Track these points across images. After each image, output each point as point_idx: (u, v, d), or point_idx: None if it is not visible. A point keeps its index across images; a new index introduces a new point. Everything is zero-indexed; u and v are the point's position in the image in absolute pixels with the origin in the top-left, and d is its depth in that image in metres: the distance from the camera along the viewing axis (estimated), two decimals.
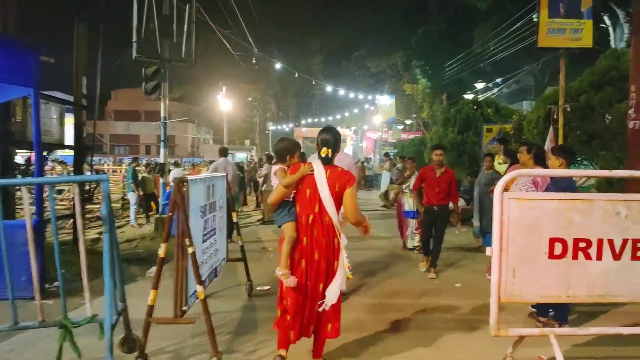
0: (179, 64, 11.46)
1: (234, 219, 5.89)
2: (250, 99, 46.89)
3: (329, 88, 27.56)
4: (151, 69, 10.88)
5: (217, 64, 36.96)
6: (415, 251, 8.03)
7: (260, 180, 12.03)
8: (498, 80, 25.51)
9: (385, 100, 30.43)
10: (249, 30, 22.00)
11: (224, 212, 5.13)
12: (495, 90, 26.93)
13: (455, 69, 29.71)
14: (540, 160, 5.03)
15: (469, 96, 21.29)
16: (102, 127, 43.34)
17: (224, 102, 25.33)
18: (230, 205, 5.58)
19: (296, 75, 22.50)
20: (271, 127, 46.24)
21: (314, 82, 26.30)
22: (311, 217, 3.36)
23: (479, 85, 21.58)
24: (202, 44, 38.83)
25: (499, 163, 8.64)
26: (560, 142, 8.58)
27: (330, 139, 3.46)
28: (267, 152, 12.47)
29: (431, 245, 6.76)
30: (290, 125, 48.87)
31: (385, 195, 14.65)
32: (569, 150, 4.62)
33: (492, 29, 23.85)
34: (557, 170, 4.18)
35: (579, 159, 9.34)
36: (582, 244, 3.16)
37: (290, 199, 3.47)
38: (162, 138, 11.61)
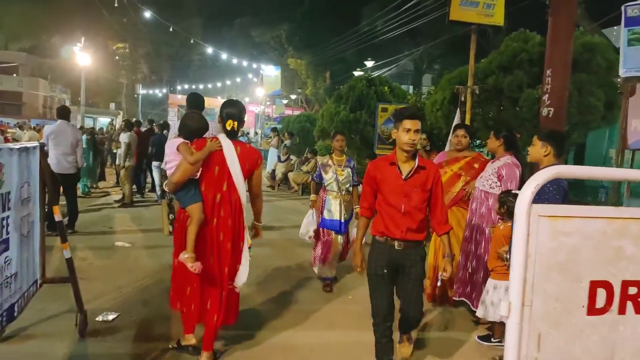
0: None
1: (57, 216, 3.72)
2: (117, 57, 41.68)
3: (209, 50, 24.90)
4: None
5: (77, 12, 31.83)
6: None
7: (119, 151, 9.73)
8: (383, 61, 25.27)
9: (271, 71, 28.71)
10: None
11: (33, 208, 3.21)
12: (381, 71, 26.76)
13: (339, 47, 29.07)
14: (513, 146, 3.99)
15: (358, 73, 20.58)
16: None
17: (82, 56, 21.43)
18: (52, 196, 3.63)
19: (171, 29, 19.65)
20: (141, 90, 41.67)
21: (192, 41, 23.38)
22: (219, 196, 3.19)
23: (369, 64, 20.94)
24: None
25: None
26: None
27: (236, 112, 3.27)
28: (126, 118, 10.07)
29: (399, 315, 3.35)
30: (164, 90, 44.61)
31: (272, 175, 13.16)
32: (560, 136, 3.54)
33: (380, 8, 23.41)
34: (606, 170, 2.70)
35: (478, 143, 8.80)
36: (632, 290, 1.99)
37: (197, 177, 3.21)
38: None
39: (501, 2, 7.94)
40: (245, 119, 3.40)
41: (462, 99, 7.97)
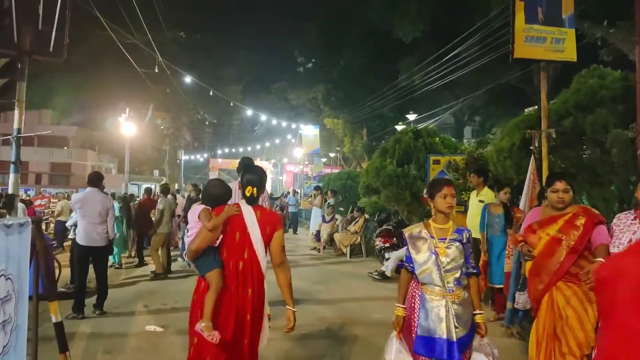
0: (44, 58, 8.29)
1: (55, 317, 2.86)
2: (162, 127, 42.89)
3: (248, 112, 24.85)
4: (0, 61, 7.65)
5: (123, 85, 33.08)
6: None
7: (153, 218, 9.03)
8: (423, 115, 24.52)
9: (310, 131, 28.43)
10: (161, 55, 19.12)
11: (16, 311, 2.29)
12: (420, 125, 26.01)
13: (376, 103, 28.73)
14: None
15: (400, 127, 19.83)
16: None
17: (127, 126, 21.71)
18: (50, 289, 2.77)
19: (210, 93, 19.68)
20: (183, 156, 42.33)
21: (231, 104, 23.46)
22: (241, 264, 3.01)
23: (412, 117, 20.17)
24: (109, 63, 34.82)
25: (479, 201, 6.55)
26: (545, 174, 6.75)
27: (256, 179, 3.18)
28: (163, 183, 9.45)
29: None
30: (205, 155, 45.28)
31: (317, 236, 12.14)
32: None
33: (417, 62, 22.99)
34: None
35: None
36: None
37: (216, 244, 3.05)
38: (12, 159, 8.25)
39: (572, 35, 7.00)
40: (266, 184, 3.34)
41: (536, 144, 6.89)
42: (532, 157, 6.86)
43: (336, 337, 5.22)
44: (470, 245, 3.14)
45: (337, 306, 6.46)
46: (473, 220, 6.40)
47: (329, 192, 14.42)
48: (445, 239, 3.02)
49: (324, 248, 12.02)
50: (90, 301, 6.14)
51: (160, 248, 8.69)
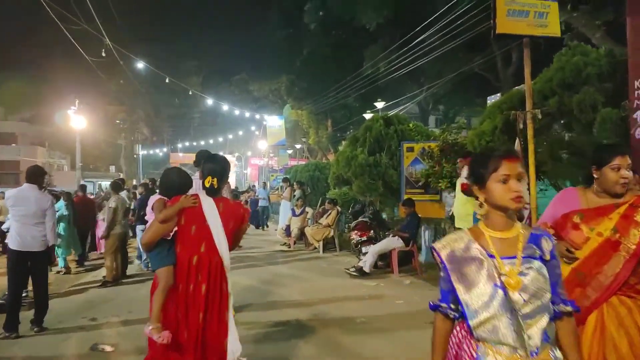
0: None
1: None
2: (118, 121, 40.92)
3: (209, 102, 23.61)
4: None
5: (74, 78, 31.18)
6: None
7: (104, 217, 8.10)
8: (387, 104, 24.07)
9: (274, 122, 27.55)
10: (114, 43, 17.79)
11: None
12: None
13: (340, 93, 28.15)
14: None
15: (368, 116, 19.27)
16: None
17: (77, 119, 20.23)
18: None
19: (167, 80, 18.41)
20: (141, 151, 40.49)
21: (190, 92, 22.18)
22: (195, 258, 2.82)
23: (379, 105, 19.66)
24: (59, 55, 32.68)
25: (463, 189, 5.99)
26: (531, 157, 6.29)
27: (218, 168, 2.98)
28: (115, 179, 8.54)
29: None
30: (165, 149, 43.52)
31: (287, 231, 11.40)
32: None
33: (381, 50, 22.49)
34: None
35: (543, 180, 7.16)
36: None
37: (169, 237, 2.91)
38: None
39: (555, 9, 6.53)
40: (229, 175, 3.15)
41: (521, 126, 6.42)
42: (517, 140, 6.39)
43: (313, 343, 4.57)
44: (558, 260, 1.76)
45: (313, 308, 5.81)
46: (462, 209, 5.87)
47: (294, 184, 13.69)
48: (515, 257, 1.67)
49: (295, 243, 11.32)
50: (28, 316, 5.25)
51: (115, 252, 7.76)
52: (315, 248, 10.61)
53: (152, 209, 3.03)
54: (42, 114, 40.61)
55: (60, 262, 8.94)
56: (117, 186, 8.08)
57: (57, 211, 9.07)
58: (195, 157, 4.26)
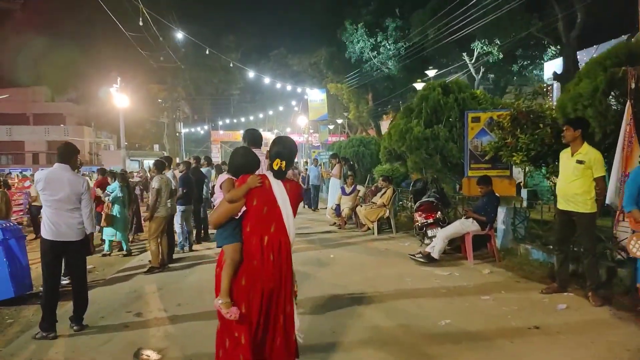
0: None
1: None
2: (160, 100, 40.95)
3: (250, 75, 22.80)
4: None
5: (116, 57, 31.08)
6: None
7: (149, 199, 7.50)
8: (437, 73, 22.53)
9: (316, 96, 26.55)
10: (155, 25, 17.24)
11: None
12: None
13: (383, 64, 26.73)
14: None
15: (419, 85, 18.03)
16: None
17: (120, 97, 19.93)
18: None
19: (207, 52, 17.65)
20: (183, 129, 40.50)
21: (231, 65, 21.44)
22: (266, 238, 2.84)
23: (431, 73, 18.29)
24: (100, 33, 32.61)
25: (578, 162, 4.92)
26: None
27: (286, 152, 2.95)
28: (159, 158, 7.82)
29: None
30: (206, 127, 43.40)
31: (337, 210, 10.56)
32: None
33: (429, 16, 20.91)
34: None
35: None
36: None
37: (237, 217, 2.89)
38: None
39: None
40: (294, 159, 3.05)
41: (632, 85, 5.24)
42: (629, 103, 5.23)
43: (395, 353, 3.73)
44: None
45: (389, 307, 4.91)
46: (570, 187, 4.83)
47: (333, 159, 12.65)
48: None
49: (345, 223, 10.49)
50: (68, 309, 4.69)
51: (160, 235, 7.17)
52: (369, 229, 9.75)
53: (221, 188, 3.05)
54: (88, 94, 41.10)
55: (123, 245, 8.68)
56: (160, 165, 7.42)
57: (112, 192, 8.66)
58: (242, 135, 4.36)
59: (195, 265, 7.38)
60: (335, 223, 10.74)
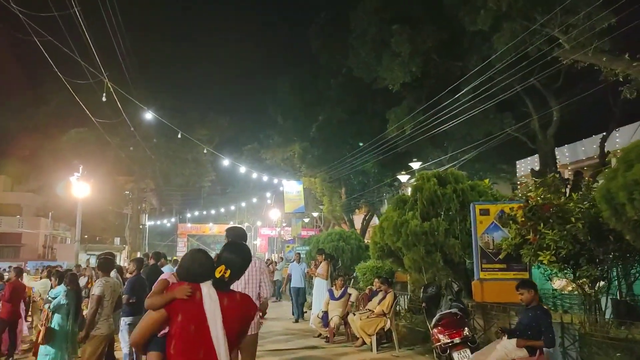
0: None
1: None
2: (127, 192, 39.07)
3: (225, 162, 21.52)
4: None
5: (83, 149, 29.66)
6: None
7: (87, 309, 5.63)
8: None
9: (292, 187, 25.49)
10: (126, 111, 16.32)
11: None
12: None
13: (358, 159, 26.35)
14: None
15: (403, 177, 17.14)
16: None
17: (80, 187, 18.16)
18: None
19: (179, 135, 16.35)
20: (148, 221, 38.19)
21: (205, 151, 20.14)
22: None
23: (415, 165, 17.50)
24: (69, 124, 31.43)
25: None
26: None
27: (237, 261, 2.52)
28: (103, 254, 6.00)
29: None
30: (173, 220, 41.17)
31: (324, 319, 8.69)
32: None
33: (405, 113, 20.77)
34: None
35: None
36: None
37: (159, 335, 2.39)
38: None
39: None
40: (244, 271, 2.64)
41: None
42: None
43: None
44: None
45: None
46: None
47: (319, 256, 10.78)
48: None
49: (334, 335, 8.61)
50: None
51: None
52: (364, 343, 7.92)
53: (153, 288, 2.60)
54: (48, 185, 38.97)
55: None
56: (105, 264, 5.64)
57: (54, 298, 6.68)
58: (226, 232, 4.09)
59: None
60: (321, 335, 8.85)
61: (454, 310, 6.05)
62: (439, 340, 5.74)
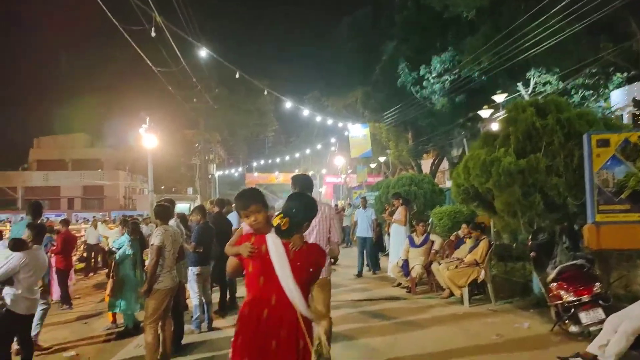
0: None
1: None
2: (197, 144, 39.87)
3: (288, 104, 20.61)
4: None
5: (156, 105, 30.12)
6: None
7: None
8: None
9: (358, 131, 24.22)
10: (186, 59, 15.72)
11: None
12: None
13: (427, 99, 24.45)
14: None
15: (484, 112, 15.47)
16: (13, 179, 34.65)
17: (149, 138, 18.19)
18: None
19: (236, 75, 15.62)
20: (216, 172, 38.86)
21: (265, 93, 19.33)
22: (265, 312, 2.36)
23: (499, 98, 15.67)
24: (136, 81, 31.98)
25: None
26: None
27: (296, 209, 2.48)
28: (161, 201, 5.25)
29: None
30: (240, 169, 41.66)
31: (404, 267, 7.79)
32: None
33: (482, 42, 18.52)
34: None
35: None
36: None
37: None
38: None
39: None
40: (309, 221, 2.58)
41: None
42: None
43: None
44: None
45: None
46: None
47: (395, 200, 9.53)
48: None
49: (416, 286, 7.71)
50: None
51: (161, 317, 4.65)
52: (451, 295, 6.96)
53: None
54: (124, 140, 40.64)
55: (125, 320, 6.19)
56: (163, 212, 4.96)
57: (119, 249, 6.33)
58: (291, 180, 4.16)
59: (215, 358, 4.83)
60: (400, 284, 8.00)
61: (579, 261, 4.87)
62: (560, 298, 4.62)
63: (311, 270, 2.42)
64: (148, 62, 13.65)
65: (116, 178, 36.45)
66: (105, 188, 36.23)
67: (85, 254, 12.99)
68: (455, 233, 8.14)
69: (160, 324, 4.70)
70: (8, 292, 4.25)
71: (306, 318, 2.36)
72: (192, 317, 5.94)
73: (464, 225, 7.65)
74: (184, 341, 5.33)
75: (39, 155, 39.63)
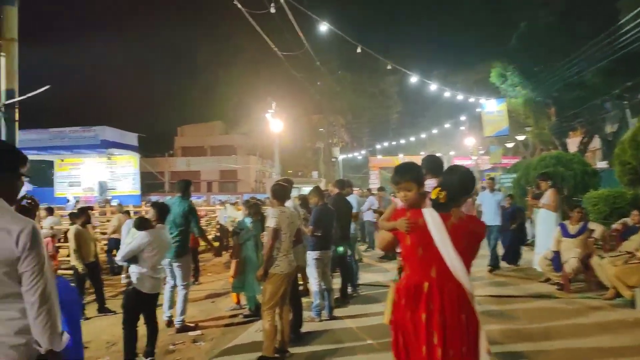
0: None
1: None
2: (321, 129, 40.72)
3: (413, 79, 19.45)
4: None
5: (284, 92, 31.32)
6: None
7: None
8: None
9: (492, 107, 22.18)
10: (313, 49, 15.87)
11: None
12: None
13: (573, 68, 21.42)
14: None
15: None
16: (161, 164, 39.00)
17: (275, 123, 18.76)
18: None
19: (358, 50, 15.04)
20: (339, 155, 39.15)
21: (388, 67, 18.44)
22: (426, 285, 2.38)
23: None
24: (265, 72, 33.53)
25: None
26: None
27: (453, 184, 2.47)
28: (279, 180, 4.91)
29: None
30: (363, 152, 41.49)
31: (555, 261, 6.63)
32: None
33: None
34: None
35: None
36: None
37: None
38: None
39: None
40: (467, 192, 2.56)
41: None
42: None
43: None
44: None
45: None
46: None
47: (543, 182, 8.07)
48: None
49: (570, 282, 6.51)
50: None
51: (278, 304, 4.42)
52: (618, 296, 5.67)
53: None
54: (256, 127, 43.04)
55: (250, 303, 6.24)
56: (279, 192, 4.70)
57: (242, 230, 6.39)
58: (422, 162, 3.59)
59: (337, 351, 4.48)
60: (549, 280, 6.84)
61: None
62: None
63: (471, 241, 2.42)
64: (272, 46, 13.88)
65: (248, 163, 38.96)
66: (239, 172, 38.95)
67: (219, 234, 13.84)
68: (621, 221, 6.68)
69: (277, 311, 4.47)
70: (134, 270, 4.37)
71: (467, 289, 2.34)
72: (312, 304, 5.67)
73: (635, 212, 6.19)
74: (303, 329, 5.07)
75: (182, 143, 43.98)
